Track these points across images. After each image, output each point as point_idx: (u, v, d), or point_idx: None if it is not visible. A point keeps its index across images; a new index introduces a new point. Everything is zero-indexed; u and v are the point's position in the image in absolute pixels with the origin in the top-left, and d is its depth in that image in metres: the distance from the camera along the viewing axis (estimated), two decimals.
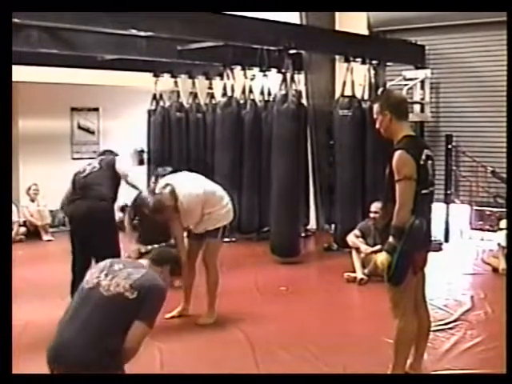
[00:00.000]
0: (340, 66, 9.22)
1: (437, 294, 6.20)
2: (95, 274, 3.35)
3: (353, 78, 8.61)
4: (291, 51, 8.09)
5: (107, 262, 3.43)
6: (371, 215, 7.19)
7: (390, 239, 3.87)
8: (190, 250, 5.69)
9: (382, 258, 3.91)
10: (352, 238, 7.27)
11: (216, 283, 5.71)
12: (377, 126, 4.13)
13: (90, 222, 5.55)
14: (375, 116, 4.13)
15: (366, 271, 6.96)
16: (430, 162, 4.04)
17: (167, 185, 5.50)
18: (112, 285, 3.25)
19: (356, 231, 7.35)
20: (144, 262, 3.55)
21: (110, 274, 3.31)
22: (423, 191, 3.95)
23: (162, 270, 3.55)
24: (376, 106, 4.13)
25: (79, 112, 11.35)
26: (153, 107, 10.51)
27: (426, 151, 4.03)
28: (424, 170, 3.96)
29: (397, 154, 3.92)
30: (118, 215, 10.28)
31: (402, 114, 4.09)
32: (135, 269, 3.36)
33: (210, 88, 10.20)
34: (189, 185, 5.54)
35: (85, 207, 5.62)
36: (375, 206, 7.06)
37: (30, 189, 10.08)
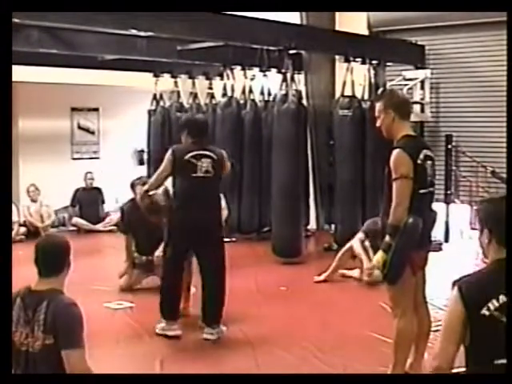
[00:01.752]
0: (340, 66, 9.22)
1: (437, 294, 6.18)
2: (14, 331, 3.05)
3: (353, 78, 8.61)
4: (291, 51, 8.09)
5: (14, 312, 3.05)
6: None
7: (386, 238, 3.91)
8: None
9: (377, 256, 3.96)
10: (358, 247, 6.97)
11: None
12: (378, 124, 4.14)
13: (216, 236, 5.30)
14: (377, 114, 4.13)
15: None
16: (429, 162, 4.04)
17: None
18: (31, 341, 3.00)
19: (360, 234, 7.03)
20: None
21: (23, 328, 3.02)
22: (421, 191, 3.95)
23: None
24: (379, 105, 4.13)
25: (79, 112, 11.37)
26: (153, 107, 10.51)
27: (425, 151, 4.03)
28: (422, 170, 3.96)
29: (394, 152, 3.94)
30: (117, 215, 10.40)
31: (404, 114, 4.10)
32: (38, 308, 3.02)
33: (210, 88, 10.20)
34: None
35: (211, 220, 5.25)
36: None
37: (28, 191, 10.07)
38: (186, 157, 5.14)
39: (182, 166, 5.14)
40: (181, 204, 5.20)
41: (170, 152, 5.21)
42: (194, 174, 5.13)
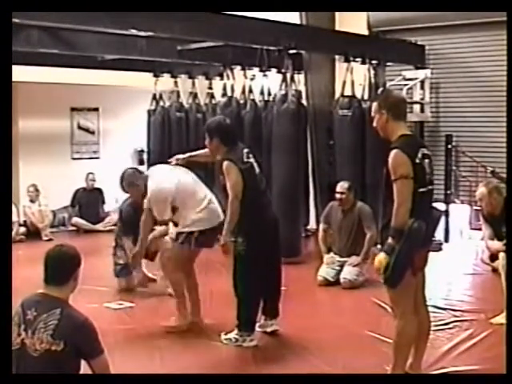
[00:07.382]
0: (340, 66, 9.22)
1: (437, 294, 6.20)
2: (15, 330, 3.09)
3: (353, 78, 8.62)
4: (291, 51, 8.10)
5: (19, 309, 3.13)
6: (337, 196, 7.09)
7: (389, 240, 3.86)
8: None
9: (380, 257, 3.91)
10: (320, 238, 7.33)
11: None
12: (374, 124, 4.16)
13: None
14: (372, 114, 4.16)
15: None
16: (426, 160, 4.04)
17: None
18: (36, 343, 3.02)
19: (322, 225, 7.34)
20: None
21: (29, 327, 3.05)
22: (421, 189, 3.95)
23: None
24: (374, 105, 4.16)
25: (79, 112, 11.36)
26: (153, 107, 10.51)
27: (422, 150, 4.04)
28: (420, 169, 3.96)
29: (392, 153, 3.93)
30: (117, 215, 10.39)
31: (399, 114, 4.10)
32: (48, 313, 3.06)
33: (210, 88, 10.20)
34: (160, 175, 5.69)
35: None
36: (341, 186, 7.05)
37: (28, 191, 10.06)
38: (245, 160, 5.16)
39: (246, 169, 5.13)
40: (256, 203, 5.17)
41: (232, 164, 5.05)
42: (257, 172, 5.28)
